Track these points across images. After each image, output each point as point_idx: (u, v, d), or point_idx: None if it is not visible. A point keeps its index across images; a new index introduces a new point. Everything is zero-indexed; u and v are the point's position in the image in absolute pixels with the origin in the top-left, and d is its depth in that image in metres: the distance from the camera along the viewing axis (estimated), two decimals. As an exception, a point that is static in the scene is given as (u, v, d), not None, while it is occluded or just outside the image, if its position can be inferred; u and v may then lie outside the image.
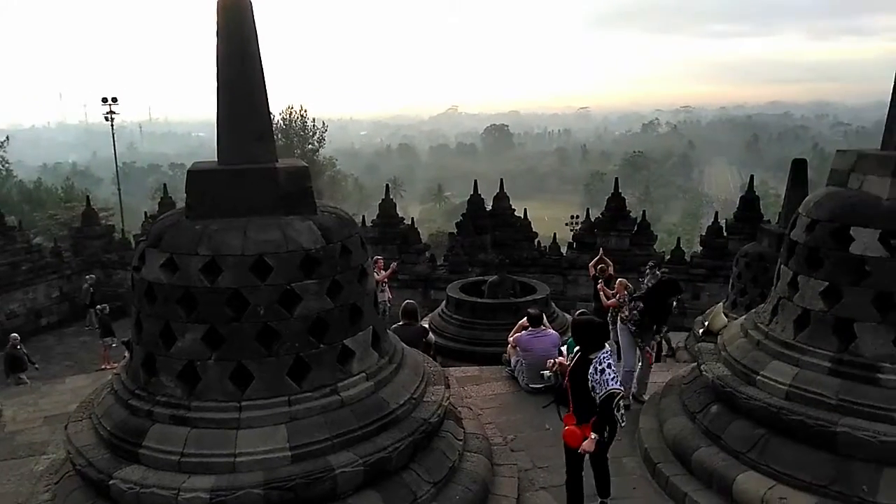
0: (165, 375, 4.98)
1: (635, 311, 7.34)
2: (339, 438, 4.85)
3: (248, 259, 4.83)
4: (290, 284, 4.88)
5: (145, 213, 25.25)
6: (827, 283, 5.41)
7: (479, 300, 12.10)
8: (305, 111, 53.83)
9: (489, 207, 22.79)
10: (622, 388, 4.95)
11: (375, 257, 12.69)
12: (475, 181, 22.84)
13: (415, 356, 6.04)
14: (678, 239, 23.17)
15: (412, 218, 23.52)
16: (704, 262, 20.21)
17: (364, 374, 5.23)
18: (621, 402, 4.93)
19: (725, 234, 20.28)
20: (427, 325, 12.49)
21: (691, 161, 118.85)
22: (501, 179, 23.17)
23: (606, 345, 5.00)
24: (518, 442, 6.63)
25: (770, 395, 5.45)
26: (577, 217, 23.03)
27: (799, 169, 11.98)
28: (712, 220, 21.38)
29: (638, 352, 7.56)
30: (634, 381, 7.55)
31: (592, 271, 14.34)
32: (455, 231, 22.43)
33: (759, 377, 5.62)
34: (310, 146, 53.70)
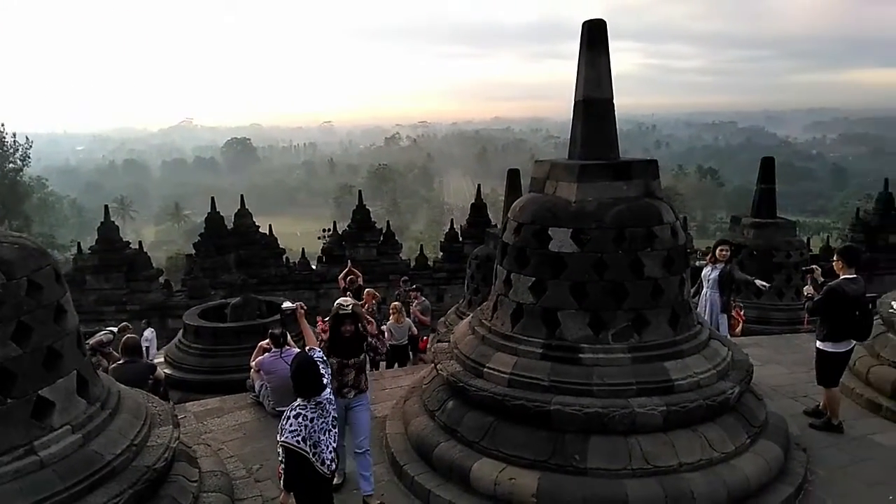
0: None
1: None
2: (39, 506, 4.13)
3: None
4: (-42, 333, 4.03)
5: None
6: (534, 279, 6.04)
7: (220, 325, 11.38)
8: (2, 125, 45.98)
9: (232, 225, 21.68)
10: (298, 445, 4.30)
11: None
12: (212, 198, 21.56)
13: (135, 397, 5.41)
14: (421, 246, 24.42)
15: (140, 241, 21.32)
16: (445, 266, 21.59)
17: (69, 427, 4.54)
18: (322, 459, 4.38)
19: (461, 239, 21.89)
20: (163, 359, 11.47)
21: (431, 172, 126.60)
22: (242, 195, 22.19)
23: (328, 390, 4.59)
24: (265, 470, 6.31)
25: (495, 385, 5.91)
26: (328, 230, 22.98)
27: (513, 178, 13.29)
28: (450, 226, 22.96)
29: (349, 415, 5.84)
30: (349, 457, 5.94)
31: (342, 284, 14.45)
32: (193, 252, 20.92)
33: (485, 369, 6.07)
34: (11, 165, 45.90)
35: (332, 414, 4.61)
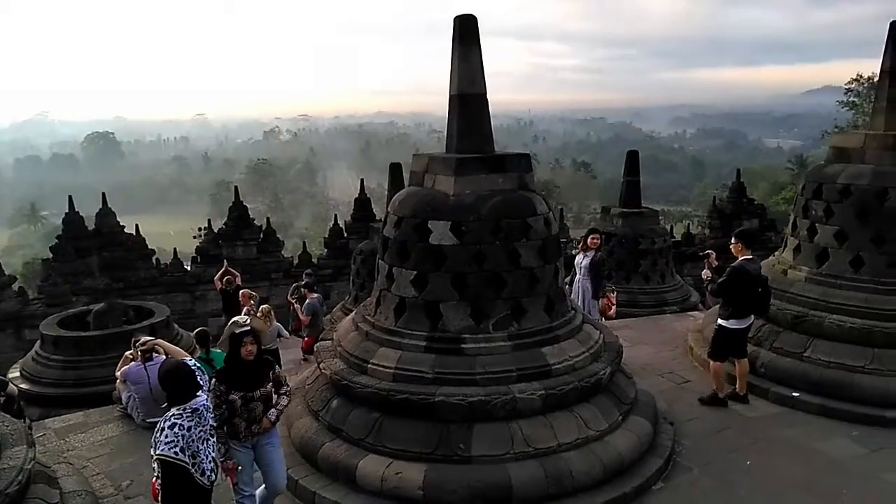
0: None
1: (219, 412, 4.77)
2: None
3: None
4: None
5: None
6: (415, 272, 6.06)
7: (82, 334, 10.54)
8: None
9: (93, 226, 20.13)
10: (176, 457, 4.00)
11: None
12: (70, 197, 19.92)
13: (-20, 418, 4.89)
14: (304, 243, 23.88)
15: (-10, 246, 19.34)
16: (330, 262, 21.22)
17: None
18: (202, 469, 4.08)
19: (346, 234, 21.60)
20: (18, 373, 10.47)
21: (315, 167, 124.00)
22: (103, 193, 20.66)
23: (201, 393, 4.26)
24: (136, 486, 5.92)
25: (380, 381, 5.87)
26: (203, 229, 21.87)
27: (396, 172, 13.35)
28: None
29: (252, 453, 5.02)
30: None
31: (219, 285, 13.87)
32: (51, 257, 19.22)
33: (369, 365, 6.02)
34: None
35: (210, 423, 4.37)
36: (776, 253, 8.78)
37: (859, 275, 7.45)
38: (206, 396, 4.37)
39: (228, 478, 4.86)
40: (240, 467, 4.92)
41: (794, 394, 7.17)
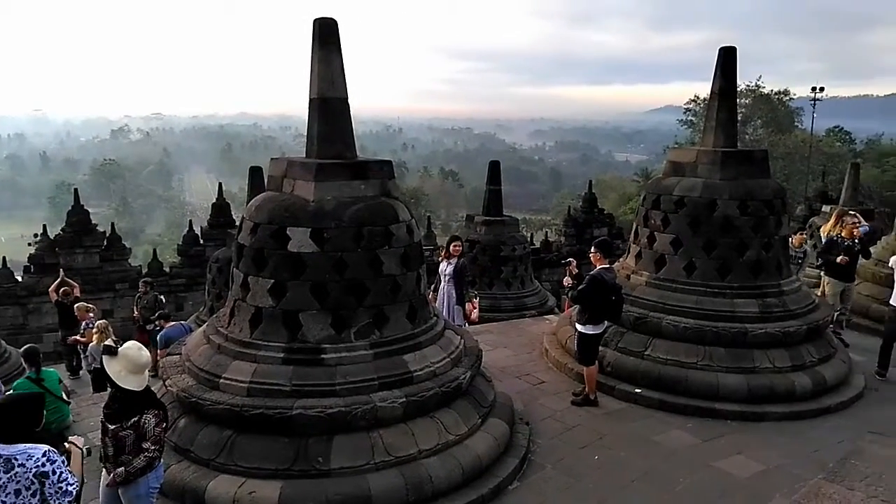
0: None
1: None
2: None
3: None
4: None
5: None
6: (273, 281, 5.83)
7: None
8: None
9: None
10: None
11: None
12: None
13: None
14: (154, 250, 22.36)
15: None
16: (184, 271, 20.04)
17: None
18: None
19: (202, 241, 20.48)
20: None
21: (170, 169, 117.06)
22: (-84, 195, 18.16)
23: (35, 449, 3.57)
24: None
25: (233, 396, 5.57)
26: (40, 235, 19.85)
27: (256, 175, 12.87)
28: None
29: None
30: None
31: (54, 296, 12.68)
32: None
33: (222, 380, 5.69)
34: None
35: (10, 487, 3.51)
36: (621, 259, 9.40)
37: (692, 279, 8.16)
38: (37, 457, 3.56)
39: None
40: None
41: (637, 390, 7.69)
